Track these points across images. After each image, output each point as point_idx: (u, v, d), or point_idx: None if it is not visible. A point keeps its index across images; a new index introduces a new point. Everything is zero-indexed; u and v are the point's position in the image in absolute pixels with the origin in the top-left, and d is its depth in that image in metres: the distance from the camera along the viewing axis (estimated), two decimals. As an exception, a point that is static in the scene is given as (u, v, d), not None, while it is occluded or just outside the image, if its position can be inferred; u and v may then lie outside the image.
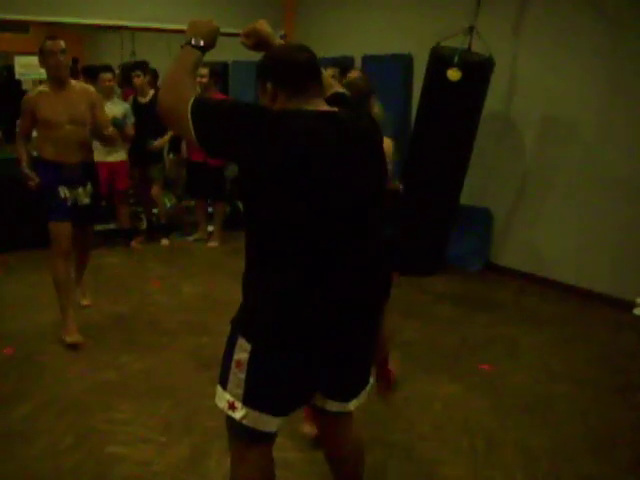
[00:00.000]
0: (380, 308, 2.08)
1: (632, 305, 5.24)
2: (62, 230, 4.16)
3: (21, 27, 10.20)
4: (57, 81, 4.09)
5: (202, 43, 1.95)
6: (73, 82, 4.23)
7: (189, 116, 1.78)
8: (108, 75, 6.17)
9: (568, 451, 3.25)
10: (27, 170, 4.15)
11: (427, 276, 5.93)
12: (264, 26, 2.15)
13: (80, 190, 4.26)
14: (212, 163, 6.43)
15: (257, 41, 2.15)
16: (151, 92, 6.56)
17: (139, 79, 6.48)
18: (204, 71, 6.03)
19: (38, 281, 5.37)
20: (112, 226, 6.93)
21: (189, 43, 1.95)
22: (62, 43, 4.02)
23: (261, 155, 1.73)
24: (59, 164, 4.15)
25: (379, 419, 3.44)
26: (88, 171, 4.36)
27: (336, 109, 1.92)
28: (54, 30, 10.43)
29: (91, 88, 4.42)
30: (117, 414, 3.43)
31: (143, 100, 6.54)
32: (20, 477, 2.90)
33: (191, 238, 7.14)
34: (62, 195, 4.18)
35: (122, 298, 5.18)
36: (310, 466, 2.97)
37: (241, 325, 1.92)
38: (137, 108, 6.41)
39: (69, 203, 4.21)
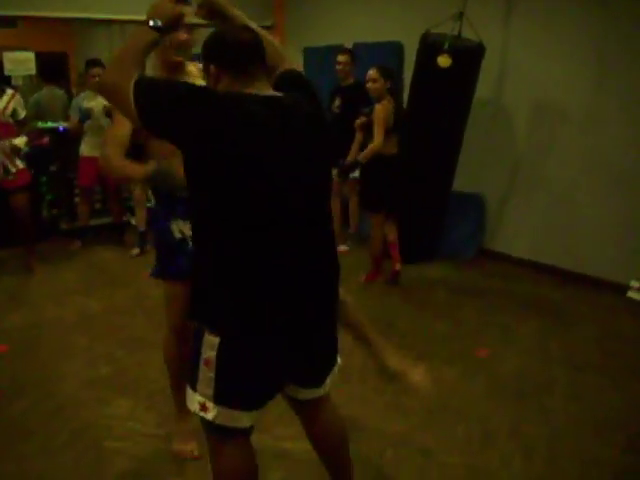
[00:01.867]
0: (337, 287, 2.08)
1: (626, 288, 5.25)
2: (177, 292, 2.77)
3: (8, 22, 10.10)
4: (175, 66, 2.63)
5: (160, 24, 1.89)
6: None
7: (131, 94, 1.75)
8: (97, 70, 6.11)
9: (565, 435, 3.27)
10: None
11: (421, 263, 5.92)
12: None
13: None
14: None
15: (210, 9, 2.15)
16: None
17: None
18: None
19: (30, 277, 5.38)
20: (105, 221, 6.91)
21: (146, 24, 1.89)
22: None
23: (202, 138, 1.72)
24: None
25: (374, 408, 3.45)
26: None
27: (280, 94, 1.91)
28: (43, 24, 10.39)
29: None
30: (114, 409, 3.43)
31: None
32: (18, 474, 2.90)
33: None
34: (177, 234, 2.72)
35: (116, 293, 5.17)
36: (307, 455, 2.97)
37: (205, 317, 1.90)
38: None
39: (190, 244, 2.60)
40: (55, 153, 6.67)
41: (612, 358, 4.16)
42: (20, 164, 5.48)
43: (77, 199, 6.76)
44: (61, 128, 6.61)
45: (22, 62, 7.82)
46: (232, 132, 1.72)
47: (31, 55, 7.94)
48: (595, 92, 5.34)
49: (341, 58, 6.00)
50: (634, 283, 5.21)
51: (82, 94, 6.26)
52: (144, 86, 1.78)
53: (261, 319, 1.84)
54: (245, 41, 1.87)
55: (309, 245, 1.91)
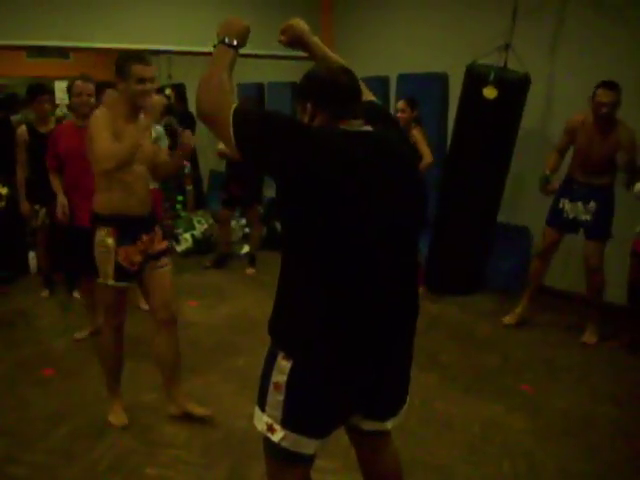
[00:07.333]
0: (415, 325, 2.07)
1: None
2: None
3: (61, 53, 10.41)
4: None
5: (235, 42, 1.94)
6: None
7: (230, 122, 1.78)
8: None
9: (612, 474, 3.18)
10: None
11: (467, 295, 5.87)
12: (300, 23, 2.19)
13: None
14: None
15: (292, 37, 2.19)
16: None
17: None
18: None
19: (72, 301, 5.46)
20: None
21: (222, 42, 1.94)
22: None
23: (298, 169, 1.74)
24: None
25: (419, 441, 3.40)
26: None
27: (371, 128, 1.93)
28: (94, 55, 10.64)
29: None
30: (157, 436, 3.44)
31: None
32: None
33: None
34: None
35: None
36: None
37: (282, 341, 1.92)
38: None
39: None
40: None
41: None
42: None
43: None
44: None
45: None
46: (324, 166, 1.74)
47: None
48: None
49: None
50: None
51: None
52: (243, 117, 1.80)
53: (339, 351, 1.85)
54: (343, 84, 1.90)
55: (395, 280, 1.92)
